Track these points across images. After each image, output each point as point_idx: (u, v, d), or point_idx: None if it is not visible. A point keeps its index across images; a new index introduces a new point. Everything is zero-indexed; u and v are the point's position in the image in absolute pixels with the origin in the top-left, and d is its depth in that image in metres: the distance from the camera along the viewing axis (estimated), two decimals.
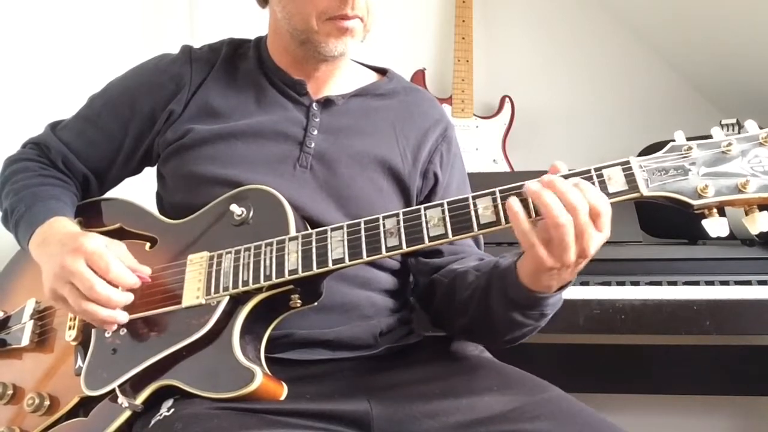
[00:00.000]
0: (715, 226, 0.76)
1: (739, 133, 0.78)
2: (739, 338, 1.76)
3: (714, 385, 1.85)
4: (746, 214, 0.76)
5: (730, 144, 0.76)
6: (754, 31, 1.75)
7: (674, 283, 1.37)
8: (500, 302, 0.88)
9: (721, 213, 0.76)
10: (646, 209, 1.55)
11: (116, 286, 0.89)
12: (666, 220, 1.62)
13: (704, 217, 0.76)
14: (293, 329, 0.96)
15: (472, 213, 0.81)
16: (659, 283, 1.37)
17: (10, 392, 1.00)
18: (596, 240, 0.76)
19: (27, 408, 0.95)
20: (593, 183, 0.77)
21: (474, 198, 0.81)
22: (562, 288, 0.85)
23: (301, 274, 0.85)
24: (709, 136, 0.78)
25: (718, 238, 0.84)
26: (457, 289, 0.98)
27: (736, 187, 0.74)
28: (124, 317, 0.90)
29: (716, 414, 1.94)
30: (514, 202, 0.77)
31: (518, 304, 0.87)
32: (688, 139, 0.79)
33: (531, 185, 0.77)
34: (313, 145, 1.02)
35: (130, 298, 0.90)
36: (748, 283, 1.35)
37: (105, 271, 0.88)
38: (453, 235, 0.81)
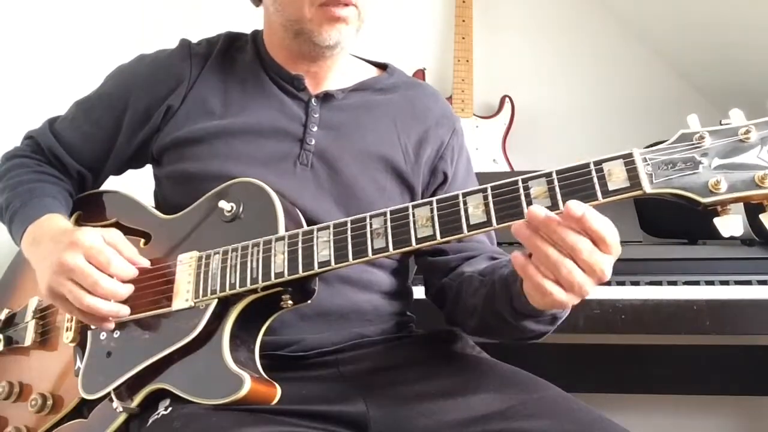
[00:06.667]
0: (728, 225, 0.68)
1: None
2: (739, 338, 1.76)
3: (714, 385, 1.85)
4: (765, 210, 0.68)
5: (748, 131, 0.67)
6: (754, 31, 1.75)
7: (674, 283, 1.36)
8: (508, 311, 0.86)
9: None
10: (646, 209, 1.55)
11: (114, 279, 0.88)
12: (666, 220, 1.62)
13: (716, 214, 0.69)
14: (290, 336, 0.95)
15: (462, 212, 0.76)
16: (659, 283, 1.37)
17: (17, 390, 1.00)
18: (608, 264, 0.72)
19: (31, 408, 0.96)
20: (592, 178, 0.72)
21: (464, 195, 0.77)
22: None
23: (287, 277, 0.83)
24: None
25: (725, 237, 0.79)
26: (463, 295, 0.97)
27: (752, 181, 0.66)
28: (126, 310, 0.89)
29: (716, 414, 1.94)
30: (519, 257, 0.74)
31: (526, 315, 0.84)
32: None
33: (521, 231, 0.72)
34: (313, 142, 1.01)
35: (131, 289, 0.90)
36: (748, 283, 1.35)
37: (106, 265, 0.87)
38: (441, 237, 0.77)
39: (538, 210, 0.71)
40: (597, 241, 0.71)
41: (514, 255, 0.75)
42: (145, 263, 0.92)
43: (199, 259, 0.90)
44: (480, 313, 0.93)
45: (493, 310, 0.89)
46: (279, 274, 0.84)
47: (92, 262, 0.87)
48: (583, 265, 0.71)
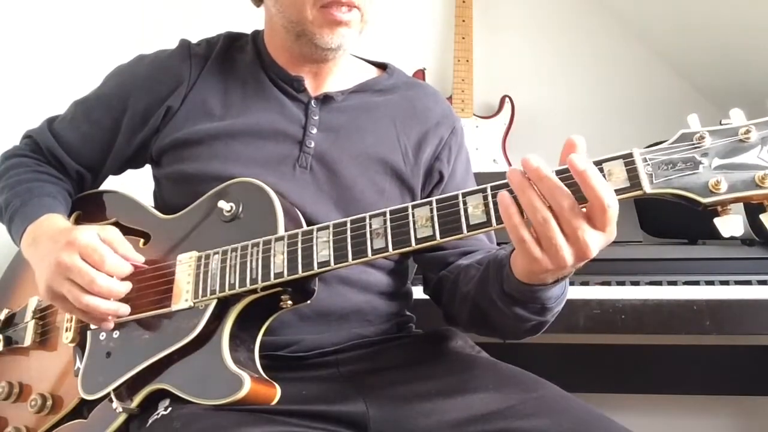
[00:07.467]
0: (729, 225, 0.68)
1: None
2: (739, 338, 1.76)
3: (714, 385, 1.85)
4: (765, 210, 0.67)
5: (749, 131, 0.67)
6: (754, 31, 1.75)
7: (674, 283, 1.36)
8: (497, 293, 0.85)
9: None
10: (646, 209, 1.55)
11: (111, 277, 0.88)
12: (666, 220, 1.62)
13: (716, 214, 0.68)
14: (290, 336, 0.95)
15: (462, 212, 0.76)
16: (659, 283, 1.37)
17: (16, 390, 1.00)
18: (594, 240, 0.69)
19: (30, 409, 0.96)
20: None
21: (464, 195, 0.76)
22: (558, 281, 0.79)
23: (286, 277, 0.83)
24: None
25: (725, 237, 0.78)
26: (460, 283, 0.97)
27: (752, 181, 0.66)
28: (126, 309, 0.89)
29: (716, 414, 1.94)
30: (505, 196, 0.71)
31: (515, 298, 0.82)
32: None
33: (514, 176, 0.70)
34: (312, 144, 1.01)
35: (129, 287, 0.90)
36: (748, 283, 1.35)
37: (100, 264, 0.87)
38: (441, 237, 0.76)
39: (533, 159, 0.70)
40: (594, 206, 0.68)
41: (502, 193, 0.72)
42: (140, 259, 0.92)
43: (199, 259, 0.90)
44: (473, 298, 0.92)
45: (485, 293, 0.88)
46: (278, 275, 0.84)
47: (88, 261, 0.87)
48: (564, 226, 0.69)
